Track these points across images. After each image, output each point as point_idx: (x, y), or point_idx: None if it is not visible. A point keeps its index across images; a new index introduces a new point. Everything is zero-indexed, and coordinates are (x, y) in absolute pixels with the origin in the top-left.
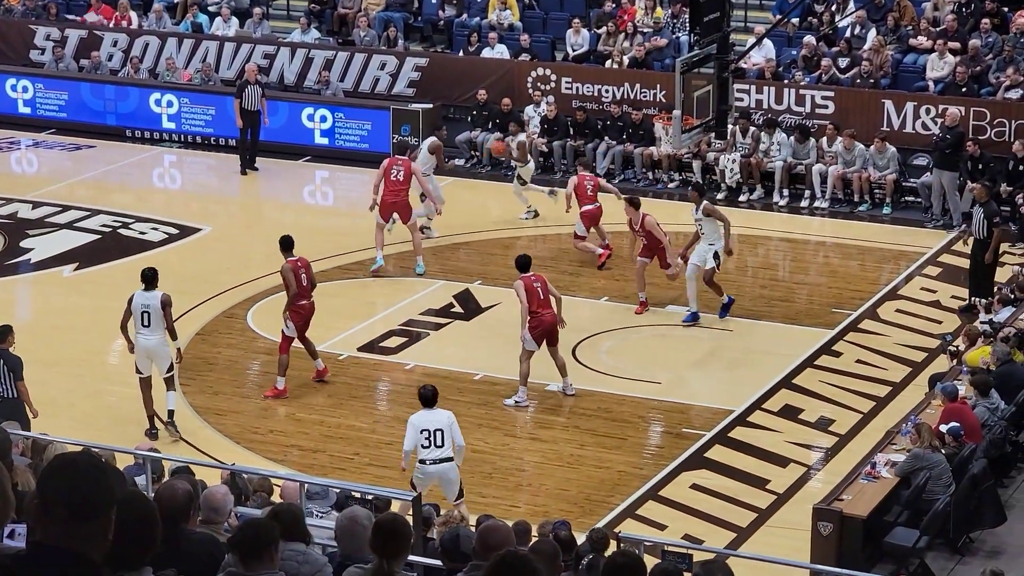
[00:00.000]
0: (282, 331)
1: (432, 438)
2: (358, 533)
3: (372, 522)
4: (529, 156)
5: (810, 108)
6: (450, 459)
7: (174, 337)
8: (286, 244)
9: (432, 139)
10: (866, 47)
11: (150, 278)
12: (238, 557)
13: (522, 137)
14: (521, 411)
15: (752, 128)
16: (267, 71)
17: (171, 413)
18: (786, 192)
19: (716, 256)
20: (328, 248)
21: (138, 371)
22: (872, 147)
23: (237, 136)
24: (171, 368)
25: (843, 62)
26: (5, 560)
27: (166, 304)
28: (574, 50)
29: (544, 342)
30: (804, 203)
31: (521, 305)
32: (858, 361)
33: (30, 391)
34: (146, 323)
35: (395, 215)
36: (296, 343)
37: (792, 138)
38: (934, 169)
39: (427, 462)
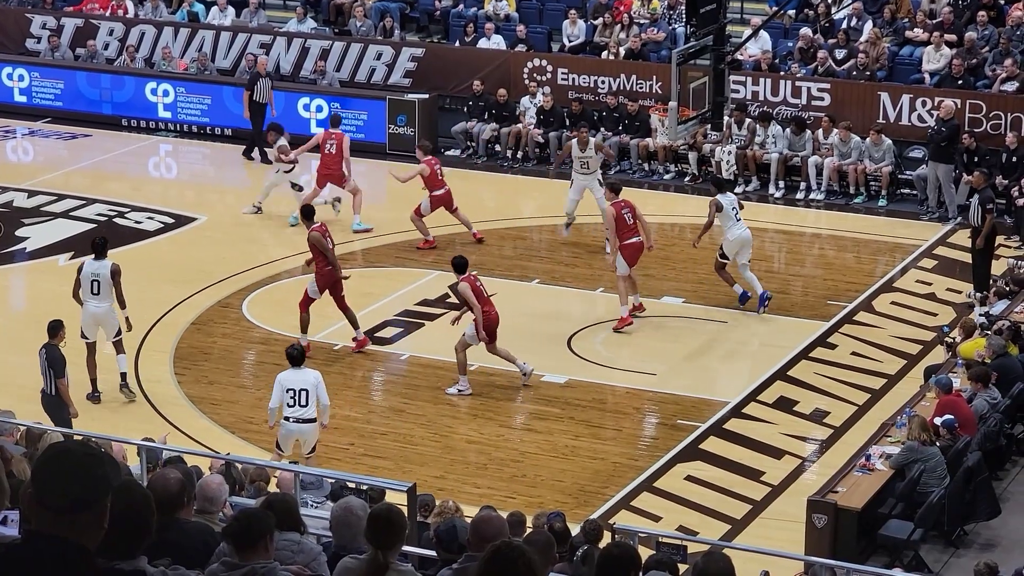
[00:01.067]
0: (306, 290)
1: (297, 397)
2: (353, 523)
3: (367, 513)
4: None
5: (806, 100)
6: (313, 420)
7: (123, 306)
8: (307, 213)
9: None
10: (862, 39)
11: (100, 247)
12: (233, 547)
13: (595, 140)
14: (513, 398)
15: (748, 120)
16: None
17: (123, 376)
18: (782, 184)
19: (720, 249)
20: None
21: (84, 336)
22: (868, 139)
23: (248, 127)
24: (119, 334)
25: (839, 54)
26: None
27: (115, 273)
28: (570, 41)
29: (487, 339)
30: (800, 195)
31: (475, 306)
32: (853, 353)
33: (33, 381)
34: (96, 291)
35: (333, 190)
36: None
37: (788, 130)
38: (929, 162)
39: (290, 419)
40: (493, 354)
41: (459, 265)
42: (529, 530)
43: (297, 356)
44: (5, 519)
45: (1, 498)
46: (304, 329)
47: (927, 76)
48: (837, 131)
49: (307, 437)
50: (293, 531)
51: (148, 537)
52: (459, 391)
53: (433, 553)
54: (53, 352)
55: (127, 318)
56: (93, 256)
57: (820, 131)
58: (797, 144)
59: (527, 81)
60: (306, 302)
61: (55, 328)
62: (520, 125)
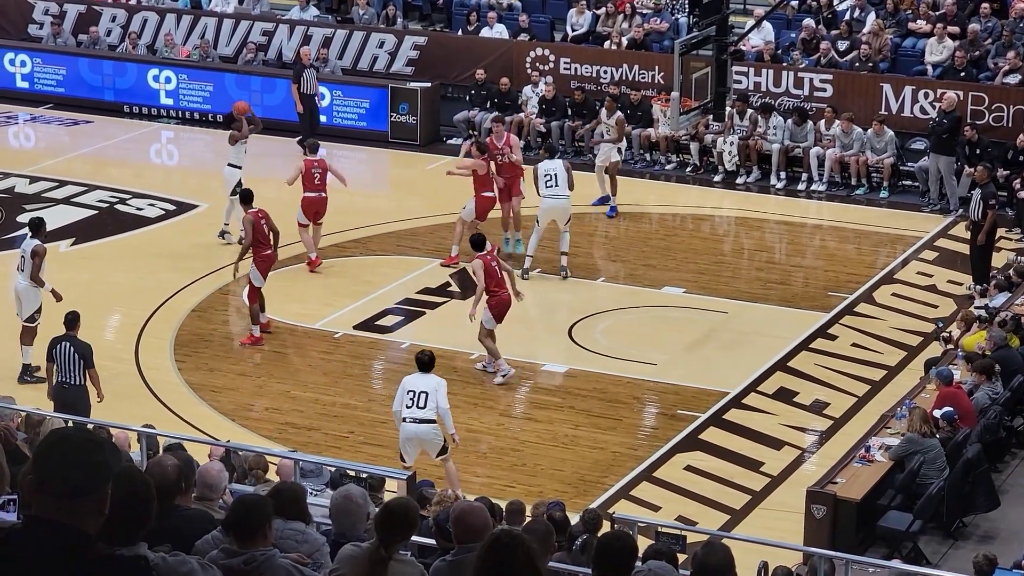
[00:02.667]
0: (249, 281)
1: (416, 399)
2: (352, 512)
3: (367, 501)
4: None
5: (808, 91)
6: (429, 421)
7: (39, 286)
8: (245, 197)
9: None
10: (865, 30)
11: (34, 226)
12: (232, 536)
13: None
14: (513, 387)
15: (750, 111)
16: (265, 48)
17: (25, 368)
18: (783, 175)
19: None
20: (324, 226)
21: (17, 314)
22: (870, 130)
23: (286, 116)
24: (33, 318)
25: (842, 45)
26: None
27: (35, 254)
28: (573, 30)
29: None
30: (801, 186)
31: (480, 286)
32: (853, 345)
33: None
34: (21, 268)
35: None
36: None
37: (790, 121)
38: (931, 153)
39: (406, 420)
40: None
41: (476, 243)
42: (528, 519)
43: (426, 361)
44: (4, 504)
45: (1, 483)
46: (255, 320)
47: (929, 68)
48: (839, 122)
49: (426, 439)
50: (298, 521)
51: (148, 524)
52: (504, 376)
53: (431, 541)
54: (79, 343)
55: (53, 290)
56: (29, 234)
57: (822, 122)
58: (799, 135)
59: (529, 70)
60: (254, 293)
61: (73, 320)
62: (522, 114)
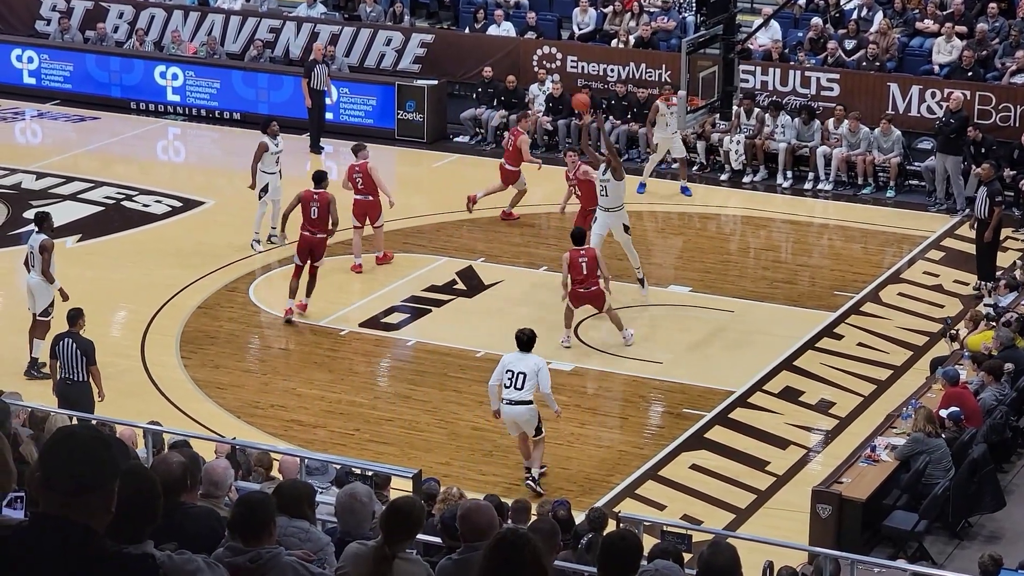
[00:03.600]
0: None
1: (514, 379)
2: (357, 510)
3: (372, 499)
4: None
5: (815, 90)
6: (526, 402)
7: (50, 281)
8: (317, 178)
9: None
10: (872, 30)
11: (39, 220)
12: (237, 535)
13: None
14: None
15: (757, 109)
16: (272, 45)
17: (33, 362)
18: (790, 174)
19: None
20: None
21: (29, 308)
22: (877, 129)
23: (306, 116)
24: (47, 312)
25: (849, 44)
26: (6, 531)
27: (44, 249)
28: (580, 29)
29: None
30: (808, 185)
31: (564, 274)
32: (859, 344)
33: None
34: (30, 263)
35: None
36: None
37: (798, 120)
38: (938, 153)
39: (504, 401)
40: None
41: (576, 236)
42: (533, 517)
43: (525, 340)
44: (11, 501)
45: (8, 480)
46: (292, 294)
47: (937, 67)
48: (847, 121)
49: (521, 419)
50: (302, 519)
51: (155, 521)
52: (625, 338)
53: (437, 540)
54: (82, 340)
55: (61, 289)
56: (36, 229)
57: (830, 121)
58: (805, 134)
59: (536, 69)
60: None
61: (75, 316)
62: (529, 113)
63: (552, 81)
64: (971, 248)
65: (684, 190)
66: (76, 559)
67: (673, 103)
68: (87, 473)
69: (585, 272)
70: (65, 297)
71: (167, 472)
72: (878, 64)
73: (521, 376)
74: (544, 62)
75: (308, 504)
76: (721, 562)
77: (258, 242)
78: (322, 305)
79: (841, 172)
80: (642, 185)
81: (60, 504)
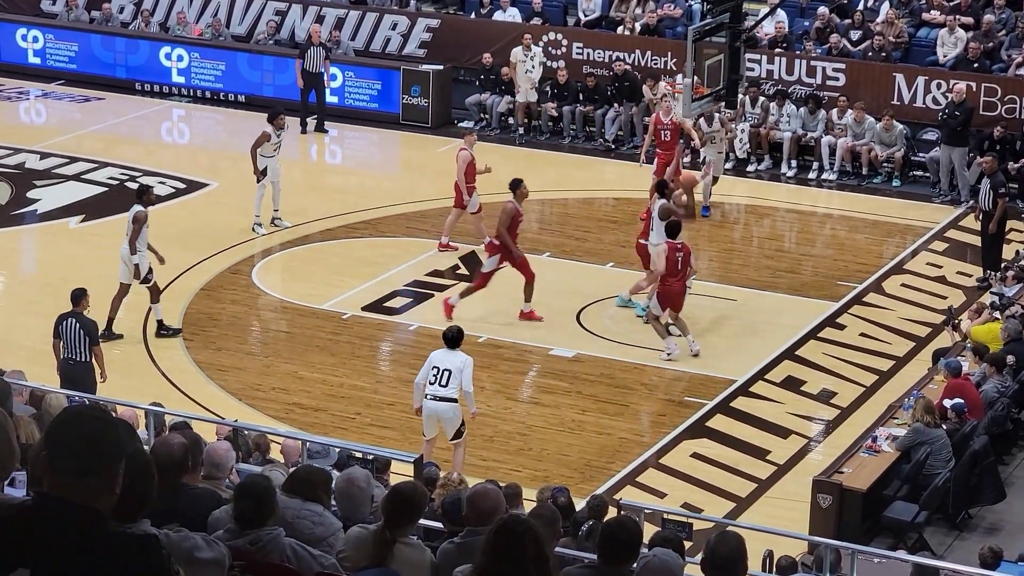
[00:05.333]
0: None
1: (439, 376)
2: (355, 495)
3: (370, 483)
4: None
5: (821, 80)
6: (450, 399)
7: (132, 252)
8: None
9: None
10: (879, 20)
11: (139, 193)
12: (240, 524)
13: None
14: (520, 372)
15: (762, 98)
16: (278, 28)
17: (158, 323)
18: (794, 163)
19: None
20: (334, 207)
21: (123, 281)
22: (879, 124)
23: (298, 97)
24: (148, 279)
25: (855, 34)
26: (10, 511)
27: (135, 220)
28: (586, 15)
29: (669, 308)
30: (812, 175)
31: (657, 272)
32: (862, 335)
33: (48, 344)
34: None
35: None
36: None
37: (804, 109)
38: (943, 145)
39: (428, 396)
40: (675, 323)
41: (671, 228)
42: (527, 502)
43: (451, 337)
44: (12, 480)
45: (11, 460)
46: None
47: (942, 58)
48: (851, 111)
49: (444, 418)
50: (316, 503)
51: (150, 501)
52: (668, 354)
53: (438, 524)
54: (85, 320)
55: (156, 251)
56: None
57: (835, 111)
58: (810, 123)
59: (524, 42)
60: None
61: (79, 296)
62: (520, 96)
63: (558, 67)
64: (975, 239)
65: (705, 210)
66: (80, 539)
67: (715, 125)
68: (93, 454)
69: (679, 267)
70: (161, 260)
71: (168, 453)
72: (884, 54)
73: (446, 373)
74: (550, 48)
75: (323, 490)
76: (726, 552)
77: (260, 225)
78: (324, 288)
79: (846, 162)
80: (706, 208)
81: (65, 485)
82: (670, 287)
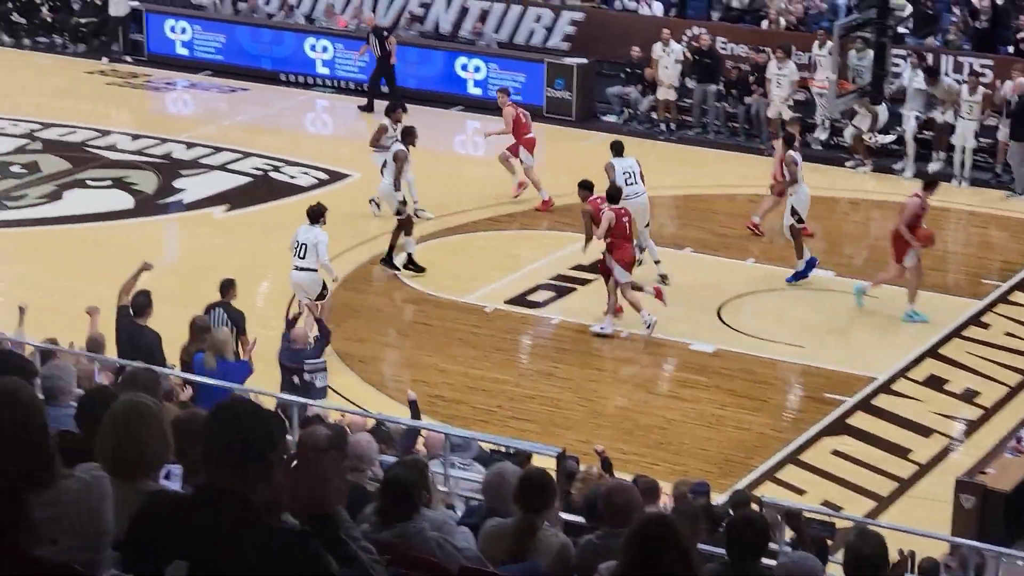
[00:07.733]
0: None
1: (297, 249)
2: (505, 488)
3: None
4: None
5: (967, 77)
6: (309, 269)
7: (396, 188)
8: (584, 185)
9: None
10: None
11: (313, 215)
12: (385, 521)
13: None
14: (660, 366)
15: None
16: (422, 20)
17: (407, 257)
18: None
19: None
20: (478, 199)
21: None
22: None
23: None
24: (400, 211)
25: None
26: (170, 502)
27: (396, 158)
28: (730, 9)
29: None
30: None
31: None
32: (1007, 334)
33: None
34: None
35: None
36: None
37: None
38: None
39: (292, 268)
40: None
41: (611, 196)
42: (665, 497)
43: (311, 213)
44: (168, 474)
45: (166, 452)
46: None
47: None
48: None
49: (304, 283)
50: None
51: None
52: (647, 325)
53: (576, 518)
54: (233, 311)
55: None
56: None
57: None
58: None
59: (663, 37)
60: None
61: (227, 287)
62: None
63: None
64: None
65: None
66: (237, 531)
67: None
68: (248, 445)
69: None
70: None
71: (315, 445)
72: None
73: (303, 247)
74: (693, 43)
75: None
76: (868, 551)
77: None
78: (467, 282)
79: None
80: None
81: (221, 475)
82: (626, 251)
